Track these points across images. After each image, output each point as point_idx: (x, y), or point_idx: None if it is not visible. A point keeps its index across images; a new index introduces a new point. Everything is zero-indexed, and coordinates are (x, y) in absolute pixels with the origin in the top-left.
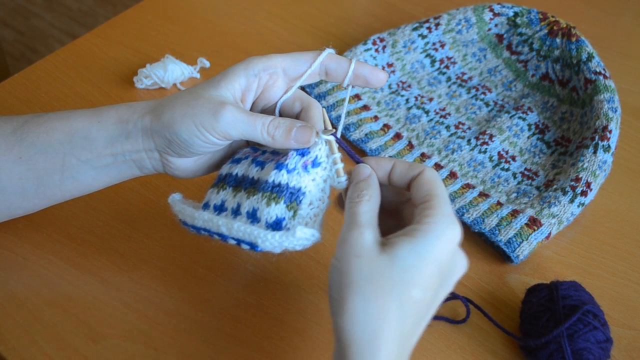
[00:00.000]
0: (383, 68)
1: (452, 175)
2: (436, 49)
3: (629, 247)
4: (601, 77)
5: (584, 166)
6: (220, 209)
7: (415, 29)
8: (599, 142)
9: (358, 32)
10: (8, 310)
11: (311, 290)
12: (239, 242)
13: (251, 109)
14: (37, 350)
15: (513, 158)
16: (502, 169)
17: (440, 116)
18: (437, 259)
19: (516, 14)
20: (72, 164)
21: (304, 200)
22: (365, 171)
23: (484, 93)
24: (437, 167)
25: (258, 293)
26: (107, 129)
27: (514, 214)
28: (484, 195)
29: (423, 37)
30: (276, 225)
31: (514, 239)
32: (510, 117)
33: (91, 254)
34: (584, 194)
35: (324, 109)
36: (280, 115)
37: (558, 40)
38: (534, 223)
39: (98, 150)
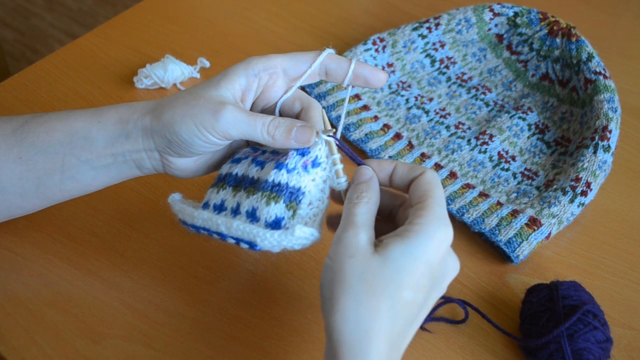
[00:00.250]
0: (383, 68)
1: (452, 175)
2: (436, 49)
3: (629, 247)
4: (601, 77)
5: (584, 166)
6: (220, 208)
7: (415, 29)
8: (599, 142)
9: (358, 32)
10: (8, 310)
11: (311, 290)
12: (238, 241)
13: (251, 109)
14: (37, 350)
15: (513, 158)
16: (502, 169)
17: (440, 116)
18: (428, 259)
19: (516, 14)
20: (72, 164)
21: (304, 200)
22: (366, 173)
23: (484, 93)
24: (437, 167)
25: (258, 293)
26: (107, 129)
27: (514, 214)
28: (484, 195)
29: (423, 37)
30: (275, 225)
31: (514, 239)
32: (510, 117)
33: (91, 254)
34: (584, 194)
35: (323, 110)
36: (280, 115)
37: (558, 40)
38: (534, 223)
39: (98, 150)
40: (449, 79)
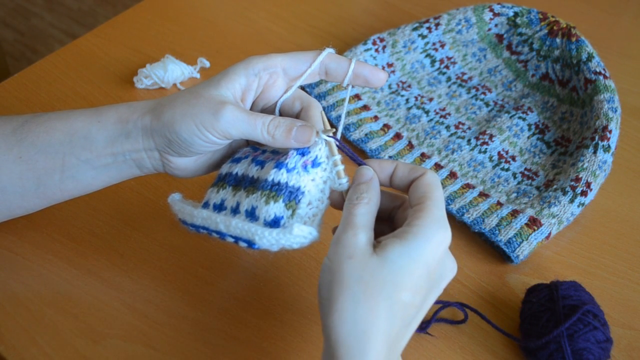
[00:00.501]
0: (383, 68)
1: (452, 175)
2: (436, 49)
3: (629, 247)
4: (601, 77)
5: (584, 166)
6: (219, 207)
7: (415, 29)
8: (599, 142)
9: (358, 32)
10: (8, 310)
11: (311, 290)
12: (237, 239)
13: (251, 109)
14: (37, 350)
15: (513, 158)
16: (502, 169)
17: (440, 116)
18: (426, 261)
19: (516, 14)
20: (72, 163)
21: (303, 200)
22: (367, 173)
23: (484, 93)
24: (437, 167)
25: (258, 293)
26: (107, 129)
27: (514, 214)
28: (484, 195)
29: (423, 37)
30: (274, 224)
31: (514, 239)
32: (510, 117)
33: (91, 254)
34: (584, 194)
35: (322, 111)
36: (280, 114)
37: (558, 40)
38: (534, 223)
39: (98, 149)
40: (449, 79)
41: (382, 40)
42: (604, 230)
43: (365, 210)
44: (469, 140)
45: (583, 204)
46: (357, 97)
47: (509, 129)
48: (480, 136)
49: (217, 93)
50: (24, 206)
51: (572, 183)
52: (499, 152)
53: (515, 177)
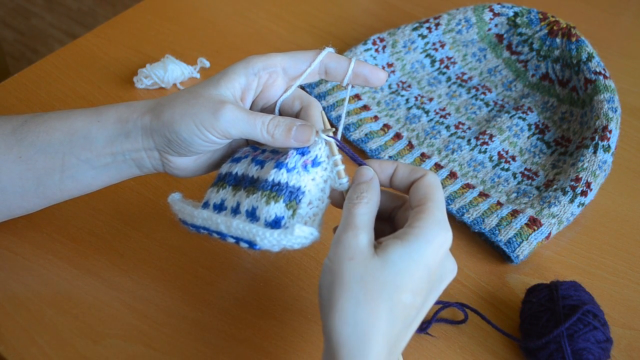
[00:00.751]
0: (383, 68)
1: (452, 175)
2: (436, 49)
3: (629, 247)
4: (601, 77)
5: (584, 166)
6: (219, 207)
7: (415, 29)
8: (599, 142)
9: (358, 32)
10: (8, 310)
11: (311, 290)
12: (238, 240)
13: (251, 108)
14: (37, 350)
15: (513, 158)
16: (502, 169)
17: (440, 116)
18: (427, 263)
19: (516, 14)
20: (72, 163)
21: (304, 200)
22: (367, 173)
23: (484, 93)
24: (437, 167)
25: (258, 293)
26: (107, 129)
27: (514, 214)
28: (484, 195)
29: (423, 37)
30: (275, 224)
31: (514, 239)
32: (510, 117)
33: (91, 254)
34: (584, 194)
35: (322, 110)
36: (280, 114)
37: (558, 40)
38: (534, 223)
39: (98, 149)
40: (449, 79)
41: (382, 40)
42: (604, 230)
43: (365, 210)
44: (469, 140)
45: (583, 204)
46: (357, 97)
47: (509, 129)
48: (480, 136)
49: (216, 92)
50: (23, 206)
51: (572, 183)
52: (499, 152)
53: (515, 177)
